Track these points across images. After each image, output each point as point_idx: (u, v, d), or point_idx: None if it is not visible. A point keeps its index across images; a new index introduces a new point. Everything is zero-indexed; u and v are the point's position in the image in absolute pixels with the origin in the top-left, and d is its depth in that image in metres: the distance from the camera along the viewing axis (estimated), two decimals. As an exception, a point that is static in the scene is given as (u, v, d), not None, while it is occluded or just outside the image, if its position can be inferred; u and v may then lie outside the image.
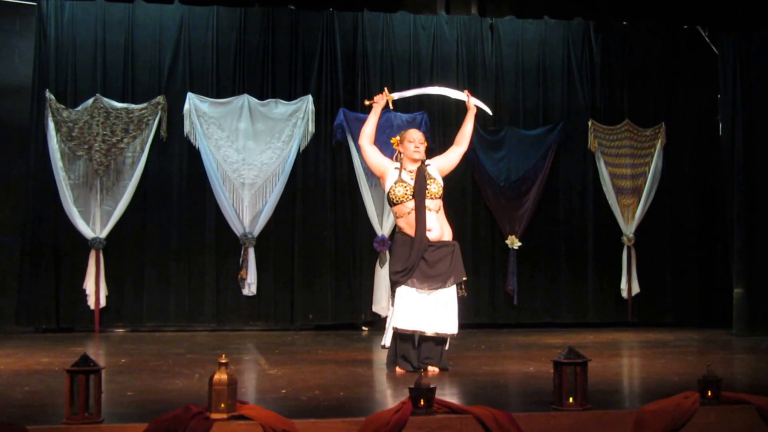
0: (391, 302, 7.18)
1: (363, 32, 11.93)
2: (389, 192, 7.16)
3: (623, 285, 12.22)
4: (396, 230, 7.28)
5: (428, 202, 7.09)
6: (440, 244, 7.08)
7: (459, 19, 12.28)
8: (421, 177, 7.14)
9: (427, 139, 7.61)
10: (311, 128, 11.58)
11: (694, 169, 12.62)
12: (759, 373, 7.31)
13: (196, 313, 11.31)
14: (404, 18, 12.11)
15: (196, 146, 11.34)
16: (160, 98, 11.34)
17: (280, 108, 11.55)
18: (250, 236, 11.30)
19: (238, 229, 11.33)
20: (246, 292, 11.33)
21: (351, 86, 11.86)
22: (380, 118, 7.53)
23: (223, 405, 4.55)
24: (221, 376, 4.57)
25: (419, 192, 7.08)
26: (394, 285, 7.10)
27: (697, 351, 8.91)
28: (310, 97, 11.63)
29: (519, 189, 12.04)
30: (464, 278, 7.17)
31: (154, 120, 11.28)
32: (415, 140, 7.25)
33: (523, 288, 12.04)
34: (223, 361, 4.62)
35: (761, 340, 10.06)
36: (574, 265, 12.23)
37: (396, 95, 7.67)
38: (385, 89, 7.57)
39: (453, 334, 7.06)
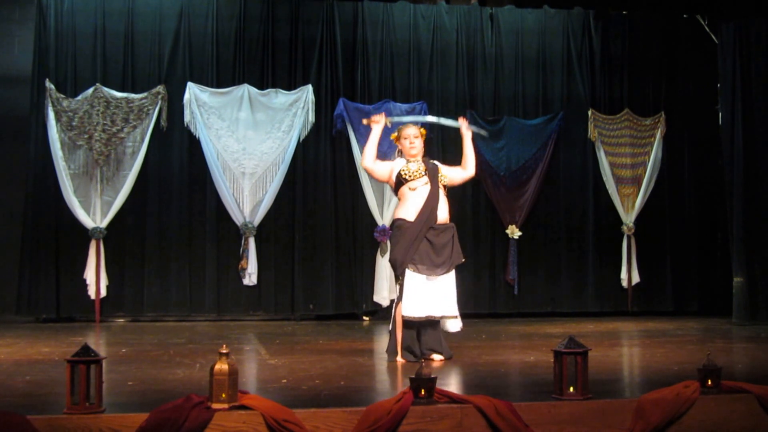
0: (397, 291, 7.16)
1: (363, 22, 11.92)
2: (401, 171, 7.19)
3: (623, 274, 12.25)
4: (395, 220, 7.25)
5: (440, 186, 7.20)
6: (443, 227, 7.12)
7: (459, 9, 12.27)
8: (432, 165, 7.27)
9: (425, 128, 7.60)
10: (311, 118, 11.59)
11: (694, 159, 12.64)
12: (759, 362, 7.32)
13: (196, 302, 11.33)
14: (404, 7, 12.10)
15: (197, 136, 11.34)
16: (160, 88, 11.34)
17: (280, 98, 11.55)
18: (250, 226, 11.31)
19: (238, 219, 11.33)
20: (246, 281, 11.35)
21: (351, 76, 11.86)
22: (380, 137, 7.44)
23: (224, 395, 4.55)
24: (222, 366, 4.58)
25: (432, 173, 7.20)
26: (399, 269, 7.07)
27: (697, 340, 8.92)
28: (310, 87, 11.63)
29: (519, 178, 12.05)
30: (463, 260, 7.25)
31: (154, 109, 11.28)
32: (409, 136, 7.30)
33: (523, 277, 12.06)
34: (224, 351, 4.63)
35: (761, 329, 10.09)
36: (574, 255, 12.25)
37: (395, 118, 7.63)
38: (383, 115, 7.49)
39: (455, 316, 7.10)
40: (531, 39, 12.41)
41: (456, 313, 7.11)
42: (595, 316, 11.94)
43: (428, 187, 7.13)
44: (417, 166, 7.19)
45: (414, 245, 6.98)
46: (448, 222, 7.19)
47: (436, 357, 7.07)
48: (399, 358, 7.00)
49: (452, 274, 7.14)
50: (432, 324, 7.10)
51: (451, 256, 7.09)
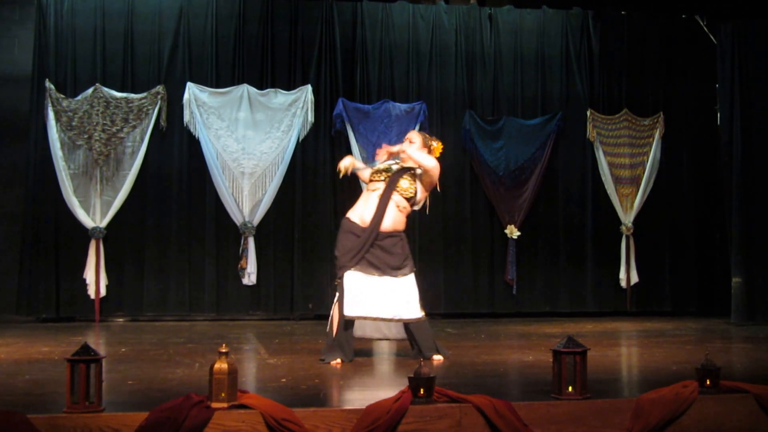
0: (336, 291, 7.07)
1: (362, 22, 11.93)
2: (372, 167, 7.32)
3: (622, 274, 12.25)
4: (344, 218, 7.23)
5: (395, 195, 7.10)
6: (388, 234, 7.05)
7: (458, 9, 12.28)
8: (404, 171, 7.19)
9: (430, 135, 7.58)
10: (310, 118, 11.59)
11: (693, 159, 12.65)
12: (757, 362, 7.33)
13: (196, 302, 11.34)
14: (403, 7, 12.11)
15: (196, 136, 11.35)
16: (159, 88, 11.35)
17: (279, 98, 11.56)
18: (249, 225, 11.32)
19: (237, 219, 11.34)
20: (246, 281, 11.35)
21: (350, 76, 11.86)
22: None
23: (223, 394, 4.56)
24: (221, 365, 4.59)
25: (393, 180, 7.13)
26: (339, 270, 7.02)
27: (695, 340, 8.92)
28: (309, 87, 11.63)
29: (518, 178, 12.05)
30: (413, 271, 7.16)
31: (154, 109, 11.29)
32: (405, 140, 7.40)
33: (522, 277, 12.06)
34: (224, 350, 4.64)
35: (759, 329, 10.10)
36: (573, 255, 12.26)
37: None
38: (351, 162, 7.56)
39: (414, 319, 7.02)
40: (530, 39, 12.42)
41: (413, 316, 7.01)
42: (594, 316, 11.95)
43: (376, 195, 7.11)
44: (385, 166, 7.21)
45: (361, 253, 6.95)
46: (395, 230, 7.10)
47: (436, 357, 7.08)
48: (333, 361, 6.90)
49: (409, 279, 7.06)
50: (420, 327, 7.09)
51: (402, 258, 7.04)
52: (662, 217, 12.50)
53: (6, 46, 11.75)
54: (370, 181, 7.23)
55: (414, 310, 7.01)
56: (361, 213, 7.12)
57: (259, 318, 11.40)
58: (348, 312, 6.89)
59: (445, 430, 4.71)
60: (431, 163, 7.19)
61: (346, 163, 7.44)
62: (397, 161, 7.35)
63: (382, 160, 7.37)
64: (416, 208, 7.36)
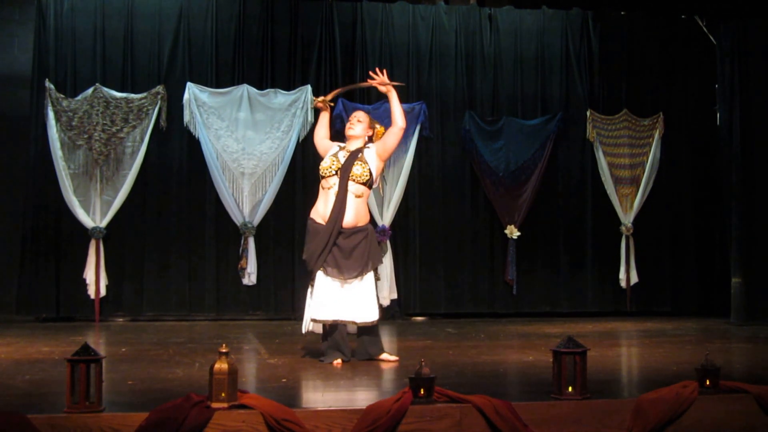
0: (310, 292, 7.06)
1: (362, 22, 11.92)
2: (321, 165, 7.22)
3: (622, 274, 12.25)
4: (308, 219, 7.22)
5: (350, 185, 7.05)
6: (353, 231, 7.03)
7: (458, 9, 12.28)
8: (352, 157, 7.14)
9: (382, 125, 7.56)
10: (310, 118, 11.57)
11: (692, 159, 12.64)
12: (757, 362, 7.34)
13: (196, 302, 11.33)
14: (403, 8, 12.11)
15: (196, 136, 11.34)
16: (159, 88, 11.34)
17: (279, 98, 11.56)
18: (249, 226, 11.31)
19: (237, 219, 11.34)
20: (246, 281, 11.35)
21: (350, 76, 11.84)
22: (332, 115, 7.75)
23: (223, 394, 4.57)
24: (222, 365, 4.59)
25: (344, 171, 7.07)
26: (310, 273, 7.06)
27: (695, 340, 8.93)
28: (309, 87, 11.63)
29: (518, 179, 12.04)
30: (380, 263, 7.21)
31: (154, 109, 11.29)
32: (352, 118, 7.39)
33: (522, 277, 12.05)
34: (224, 350, 4.64)
35: (759, 329, 10.09)
36: (573, 255, 12.25)
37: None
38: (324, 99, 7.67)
39: (373, 322, 7.03)
40: (530, 39, 12.41)
41: (372, 319, 7.02)
42: (594, 316, 11.94)
43: (333, 191, 7.06)
44: (329, 163, 7.13)
45: (324, 252, 6.93)
46: (357, 225, 7.06)
47: (388, 357, 7.09)
48: (333, 361, 6.91)
49: (368, 279, 7.05)
50: (367, 329, 7.08)
51: (362, 260, 6.99)
52: (662, 217, 12.49)
53: (6, 46, 11.76)
54: (323, 177, 7.15)
55: (371, 314, 7.02)
56: (323, 213, 7.09)
57: (259, 318, 11.39)
58: (314, 315, 6.95)
59: (445, 430, 4.71)
60: (402, 122, 7.21)
61: (324, 98, 7.58)
62: (342, 145, 7.34)
63: (375, 82, 7.50)
64: (375, 186, 7.35)
